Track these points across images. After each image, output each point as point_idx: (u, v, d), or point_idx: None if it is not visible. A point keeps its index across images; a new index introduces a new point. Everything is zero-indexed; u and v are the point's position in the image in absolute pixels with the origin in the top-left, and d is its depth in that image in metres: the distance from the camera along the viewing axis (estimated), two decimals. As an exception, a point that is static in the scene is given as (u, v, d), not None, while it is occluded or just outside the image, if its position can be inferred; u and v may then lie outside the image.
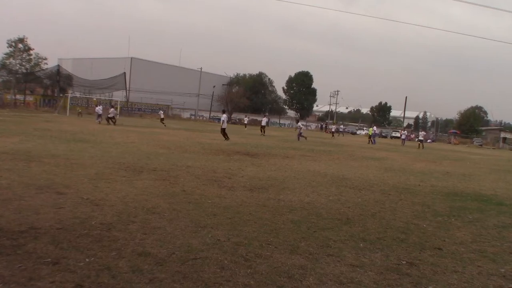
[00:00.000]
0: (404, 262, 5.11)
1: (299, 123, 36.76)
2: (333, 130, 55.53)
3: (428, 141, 75.31)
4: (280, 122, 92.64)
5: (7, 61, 62.06)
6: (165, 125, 38.66)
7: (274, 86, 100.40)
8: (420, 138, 42.98)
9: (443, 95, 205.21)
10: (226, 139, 25.02)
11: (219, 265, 4.51)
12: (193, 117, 79.22)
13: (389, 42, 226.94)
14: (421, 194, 10.62)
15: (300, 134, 34.26)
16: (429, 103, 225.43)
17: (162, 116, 43.88)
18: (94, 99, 63.23)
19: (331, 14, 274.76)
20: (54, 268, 4.07)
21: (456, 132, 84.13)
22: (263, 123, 40.00)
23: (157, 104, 76.79)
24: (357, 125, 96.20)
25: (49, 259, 4.27)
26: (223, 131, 25.90)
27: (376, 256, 5.25)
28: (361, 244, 5.71)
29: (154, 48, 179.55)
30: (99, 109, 37.39)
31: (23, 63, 62.97)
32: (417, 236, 6.41)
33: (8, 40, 61.65)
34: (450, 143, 73.42)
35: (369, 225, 6.89)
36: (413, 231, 6.70)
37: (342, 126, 74.82)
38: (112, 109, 37.15)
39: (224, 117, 26.90)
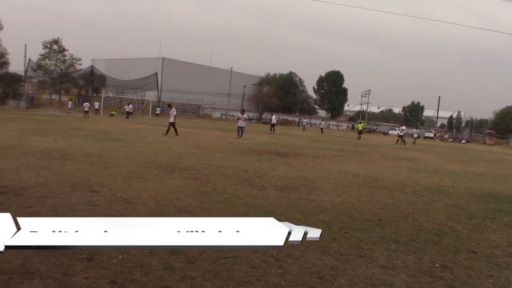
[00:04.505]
0: (437, 265, 5.01)
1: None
2: (322, 126, 54.13)
3: (463, 141, 73.83)
4: (311, 122, 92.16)
5: (42, 62, 64.03)
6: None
7: (304, 86, 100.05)
8: (400, 134, 39.51)
9: (478, 95, 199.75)
10: (166, 134, 22.94)
11: (250, 264, 4.51)
12: (224, 116, 79.65)
13: (422, 40, 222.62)
14: (455, 195, 10.38)
15: None
16: (463, 102, 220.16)
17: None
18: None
19: (363, 13, 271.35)
20: (89, 264, 4.15)
21: (491, 133, 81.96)
22: (273, 121, 39.80)
23: (189, 104, 77.59)
24: (388, 125, 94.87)
25: (84, 255, 4.34)
26: (172, 125, 23.47)
27: (408, 258, 5.16)
28: (393, 246, 5.62)
29: (185, 49, 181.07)
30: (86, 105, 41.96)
31: (58, 64, 64.90)
32: (451, 239, 6.27)
33: (43, 42, 63.70)
34: (485, 143, 71.53)
35: (401, 226, 6.78)
36: (447, 234, 6.56)
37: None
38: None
39: (173, 111, 24.47)
